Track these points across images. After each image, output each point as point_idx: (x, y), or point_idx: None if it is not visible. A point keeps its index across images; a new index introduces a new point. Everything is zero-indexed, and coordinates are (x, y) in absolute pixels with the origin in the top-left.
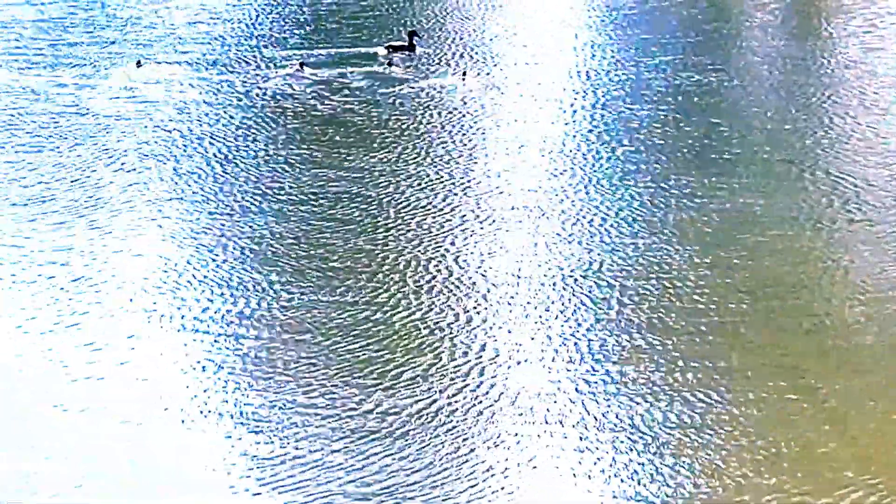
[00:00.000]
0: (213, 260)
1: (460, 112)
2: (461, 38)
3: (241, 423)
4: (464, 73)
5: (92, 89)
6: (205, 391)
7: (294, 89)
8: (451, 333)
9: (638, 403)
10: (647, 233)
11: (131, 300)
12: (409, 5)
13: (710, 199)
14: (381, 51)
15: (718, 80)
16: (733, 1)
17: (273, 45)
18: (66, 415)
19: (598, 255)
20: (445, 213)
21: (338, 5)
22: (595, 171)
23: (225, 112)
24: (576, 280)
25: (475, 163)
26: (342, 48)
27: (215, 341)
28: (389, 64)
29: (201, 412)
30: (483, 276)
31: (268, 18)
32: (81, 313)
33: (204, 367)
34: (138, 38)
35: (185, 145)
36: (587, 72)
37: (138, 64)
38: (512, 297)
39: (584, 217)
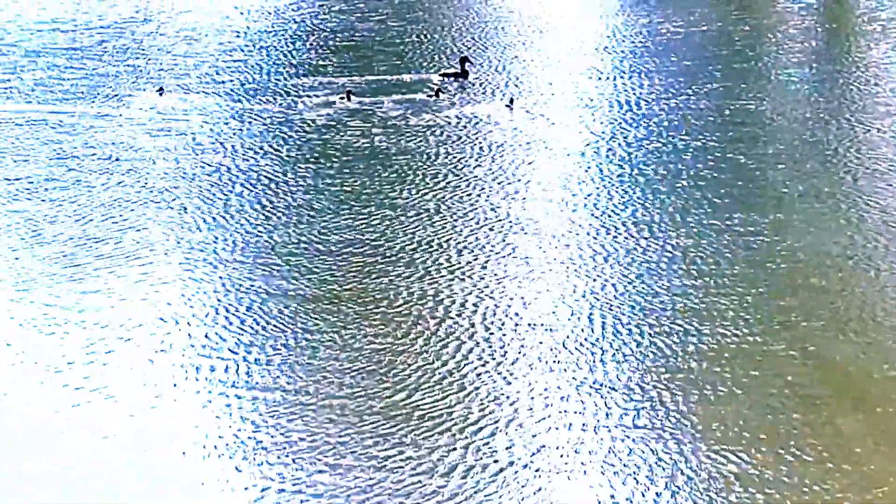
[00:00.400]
0: (272, 308)
1: (511, 144)
2: (506, 66)
3: (298, 491)
4: (510, 100)
5: (129, 121)
6: (259, 448)
7: (339, 120)
8: (531, 384)
9: (737, 474)
10: (712, 275)
11: (185, 353)
12: (448, 32)
13: (772, 237)
14: (435, 78)
15: (768, 108)
16: (773, 24)
17: (312, 73)
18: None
19: (665, 298)
20: (511, 256)
21: (375, 32)
22: (654, 208)
23: (268, 145)
24: (652, 325)
25: (544, 203)
26: (385, 76)
27: (274, 393)
28: (436, 94)
29: (250, 469)
30: (573, 321)
31: (306, 46)
32: (137, 366)
33: (257, 425)
34: (172, 67)
35: (230, 181)
36: (635, 101)
37: (160, 91)
38: (590, 345)
39: (647, 259)
